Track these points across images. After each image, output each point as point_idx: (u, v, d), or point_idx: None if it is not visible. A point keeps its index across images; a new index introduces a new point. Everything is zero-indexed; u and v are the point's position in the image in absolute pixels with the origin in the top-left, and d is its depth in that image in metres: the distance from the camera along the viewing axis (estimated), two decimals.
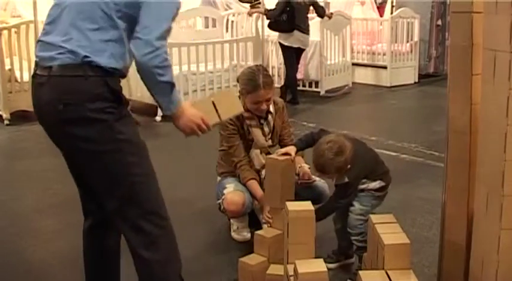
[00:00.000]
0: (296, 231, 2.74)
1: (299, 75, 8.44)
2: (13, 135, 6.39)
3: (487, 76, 2.21)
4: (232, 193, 3.44)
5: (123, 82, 2.32)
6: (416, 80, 9.75)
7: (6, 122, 6.73)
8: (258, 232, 3.13)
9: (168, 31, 2.22)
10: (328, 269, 2.68)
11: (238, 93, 3.33)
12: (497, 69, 2.12)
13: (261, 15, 8.03)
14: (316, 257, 2.73)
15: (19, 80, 6.85)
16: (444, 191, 2.63)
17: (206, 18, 8.77)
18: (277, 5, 7.68)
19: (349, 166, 2.88)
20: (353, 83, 9.43)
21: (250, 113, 3.44)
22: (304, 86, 8.87)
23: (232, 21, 8.52)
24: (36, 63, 2.26)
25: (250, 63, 7.55)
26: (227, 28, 8.45)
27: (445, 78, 4.44)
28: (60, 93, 2.15)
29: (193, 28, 8.67)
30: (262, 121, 3.49)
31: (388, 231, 2.64)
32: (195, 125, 2.39)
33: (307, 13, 7.99)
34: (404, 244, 2.56)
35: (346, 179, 2.93)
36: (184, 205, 4.17)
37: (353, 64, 9.49)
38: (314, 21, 8.55)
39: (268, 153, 3.45)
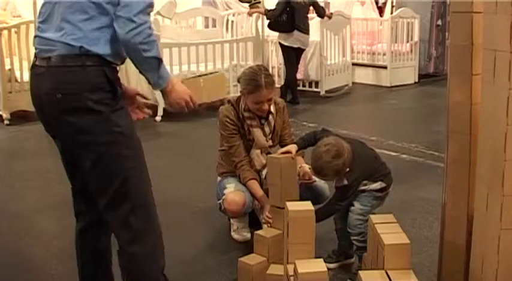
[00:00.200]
0: (296, 231, 2.74)
1: (299, 76, 8.45)
2: (13, 135, 6.39)
3: (487, 76, 2.21)
4: (232, 193, 3.44)
5: (122, 81, 2.33)
6: (417, 80, 9.75)
7: (6, 122, 6.73)
8: (258, 232, 3.13)
9: (149, 6, 2.23)
10: (328, 269, 2.69)
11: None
12: (497, 69, 2.12)
13: (261, 15, 8.03)
14: (316, 257, 2.73)
15: (19, 80, 6.85)
16: (444, 191, 2.63)
17: (206, 18, 8.78)
18: (277, 5, 7.68)
19: (348, 169, 2.88)
20: (353, 83, 9.43)
21: (251, 113, 3.44)
22: (304, 86, 8.88)
23: (232, 21, 8.53)
24: (35, 55, 2.28)
25: (250, 63, 7.56)
26: (227, 28, 8.45)
27: (445, 78, 4.43)
28: (59, 83, 2.17)
29: (193, 28, 8.68)
30: (263, 121, 3.49)
31: (388, 231, 2.64)
32: (184, 102, 2.40)
33: (307, 13, 7.99)
34: (404, 244, 2.56)
35: (346, 182, 2.93)
36: (184, 205, 4.17)
37: (353, 64, 9.49)
38: (314, 21, 8.55)
39: (269, 153, 3.46)
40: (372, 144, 3.41)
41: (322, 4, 8.34)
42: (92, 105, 2.17)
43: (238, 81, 3.48)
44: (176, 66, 6.93)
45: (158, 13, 7.05)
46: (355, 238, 3.03)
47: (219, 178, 3.65)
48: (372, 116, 7.83)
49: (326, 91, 8.68)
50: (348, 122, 7.20)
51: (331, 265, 3.16)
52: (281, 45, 7.87)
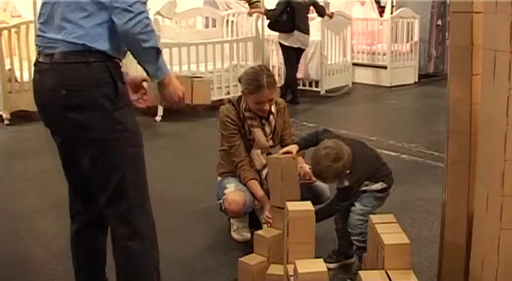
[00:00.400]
0: (296, 231, 2.74)
1: (299, 75, 8.45)
2: (13, 135, 6.39)
3: (487, 76, 2.21)
4: (233, 192, 3.44)
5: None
6: (417, 80, 9.75)
7: (6, 122, 6.72)
8: (258, 232, 3.13)
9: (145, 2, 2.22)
10: (328, 269, 2.69)
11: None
12: (497, 69, 2.12)
13: (261, 15, 8.03)
14: (316, 257, 2.73)
15: (19, 80, 6.85)
16: (444, 191, 2.63)
17: (206, 18, 8.77)
18: (277, 5, 7.68)
19: (348, 171, 2.88)
20: (353, 83, 9.43)
21: (251, 113, 3.44)
22: (304, 85, 8.88)
23: (232, 21, 8.52)
24: (38, 52, 2.28)
25: (250, 63, 7.56)
26: (227, 28, 8.45)
27: (445, 78, 4.43)
28: (63, 79, 2.18)
29: (193, 28, 8.68)
30: (263, 121, 3.49)
31: (388, 231, 2.64)
32: (178, 97, 2.39)
33: (307, 13, 7.99)
34: (404, 244, 2.56)
35: (347, 183, 2.93)
36: (184, 205, 4.17)
37: (353, 64, 9.49)
38: (315, 21, 8.55)
39: (269, 153, 3.46)
40: (372, 144, 3.41)
41: (322, 4, 8.34)
42: (95, 101, 2.18)
43: (240, 81, 3.48)
44: (176, 66, 6.92)
45: (158, 13, 7.05)
46: (356, 238, 3.03)
47: (219, 178, 3.65)
48: (372, 116, 7.83)
49: (326, 91, 8.68)
50: (348, 122, 7.20)
51: (331, 265, 3.16)
52: (281, 45, 7.87)
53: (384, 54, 9.51)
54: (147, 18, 2.19)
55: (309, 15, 8.12)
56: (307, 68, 8.71)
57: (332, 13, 8.56)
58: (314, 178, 3.37)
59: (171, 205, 4.05)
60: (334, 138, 3.02)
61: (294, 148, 3.08)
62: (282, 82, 8.17)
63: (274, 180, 3.08)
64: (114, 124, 2.24)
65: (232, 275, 3.12)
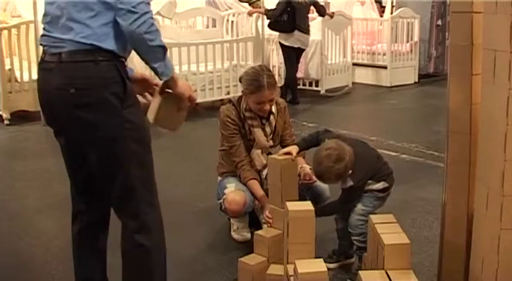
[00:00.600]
0: (296, 231, 2.74)
1: (299, 74, 8.45)
2: (13, 135, 6.39)
3: (487, 76, 2.21)
4: (233, 192, 3.44)
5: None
6: (416, 80, 9.75)
7: (6, 122, 6.72)
8: (258, 232, 3.13)
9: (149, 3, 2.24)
10: (328, 269, 2.69)
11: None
12: (497, 69, 2.12)
13: (261, 15, 8.03)
14: (316, 257, 2.73)
15: (19, 80, 6.85)
16: (444, 191, 2.63)
17: (208, 18, 8.77)
18: (277, 5, 7.68)
19: (350, 171, 2.88)
20: (353, 83, 9.43)
21: (252, 113, 3.44)
22: (304, 85, 8.89)
23: (233, 21, 8.52)
24: (44, 51, 2.28)
25: (250, 63, 7.56)
26: (227, 28, 8.45)
27: (445, 78, 4.43)
28: (72, 78, 2.18)
29: (193, 28, 8.68)
30: (264, 121, 3.49)
31: (388, 231, 2.64)
32: (190, 91, 2.44)
33: (308, 13, 7.99)
34: (404, 244, 2.56)
35: (351, 183, 2.93)
36: (184, 205, 4.17)
37: (353, 64, 9.49)
38: (316, 21, 8.55)
39: (270, 153, 3.46)
40: (372, 144, 3.41)
41: (322, 4, 8.34)
42: (106, 97, 2.19)
43: (240, 81, 3.48)
44: (176, 67, 6.92)
45: (158, 13, 7.05)
46: (356, 238, 3.03)
47: (219, 178, 3.65)
48: (372, 116, 7.83)
49: (326, 90, 8.68)
50: (348, 122, 7.20)
51: (331, 265, 3.16)
52: (281, 45, 7.87)
53: (384, 54, 9.51)
54: (152, 17, 2.22)
55: (310, 15, 8.12)
56: (308, 67, 8.71)
57: (333, 13, 8.56)
58: (314, 178, 3.37)
59: (171, 205, 4.05)
60: (335, 138, 3.02)
61: (294, 149, 3.08)
62: (282, 82, 8.17)
63: (274, 180, 3.08)
64: (122, 122, 2.25)
65: (232, 275, 3.12)
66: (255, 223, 3.60)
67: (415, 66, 9.76)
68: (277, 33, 7.93)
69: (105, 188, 2.41)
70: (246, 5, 9.30)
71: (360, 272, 2.60)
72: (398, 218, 2.81)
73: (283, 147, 3.34)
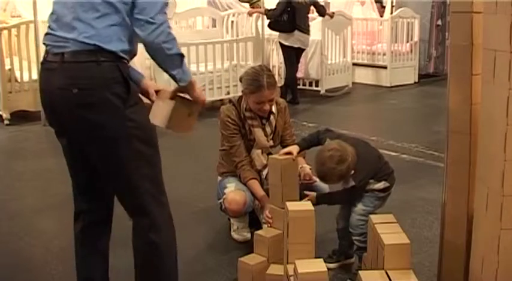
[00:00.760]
0: (296, 231, 2.74)
1: (299, 74, 8.45)
2: (13, 135, 6.39)
3: (487, 76, 2.21)
4: (233, 192, 3.44)
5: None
6: (416, 80, 9.75)
7: (6, 122, 6.73)
8: (258, 231, 3.13)
9: (165, 4, 2.28)
10: (328, 269, 2.69)
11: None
12: (497, 69, 2.12)
13: (261, 15, 8.03)
14: (316, 257, 2.73)
15: (19, 80, 6.86)
16: (444, 191, 2.63)
17: (207, 18, 8.77)
18: (277, 5, 7.68)
19: (352, 172, 2.88)
20: (353, 83, 9.43)
21: (252, 113, 3.44)
22: (304, 85, 8.89)
23: (233, 21, 8.52)
24: (46, 51, 2.29)
25: (250, 63, 7.55)
26: (227, 28, 8.45)
27: (445, 78, 4.43)
28: (74, 78, 2.19)
29: (193, 28, 8.68)
30: (264, 121, 3.49)
31: (388, 231, 2.64)
32: (203, 95, 2.53)
33: (308, 13, 7.99)
34: (404, 244, 2.56)
35: (353, 183, 2.93)
36: (184, 205, 4.17)
37: (353, 64, 9.49)
38: (316, 21, 8.55)
39: (270, 153, 3.46)
40: (372, 144, 3.41)
41: (322, 4, 8.34)
42: (108, 97, 2.20)
43: (240, 81, 3.48)
44: None
45: None
46: (357, 238, 3.03)
47: (219, 178, 3.65)
48: (372, 116, 7.83)
49: (326, 90, 8.68)
50: (348, 122, 7.20)
51: (331, 265, 3.15)
52: (281, 45, 7.88)
53: (384, 54, 9.52)
54: (169, 27, 2.27)
55: (310, 15, 8.12)
56: (308, 67, 8.71)
57: (333, 13, 8.56)
58: (314, 178, 3.37)
59: (171, 205, 4.02)
60: (337, 137, 3.02)
61: (294, 149, 3.07)
62: (282, 82, 8.17)
63: (274, 180, 3.08)
64: (125, 122, 2.26)
65: (232, 275, 3.12)
66: (255, 223, 3.60)
67: (415, 66, 9.76)
68: (277, 33, 7.93)
69: (109, 188, 2.42)
70: (246, 5, 9.30)
71: (359, 272, 2.60)
72: (398, 218, 2.81)
73: (284, 147, 3.34)
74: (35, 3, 6.55)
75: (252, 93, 3.35)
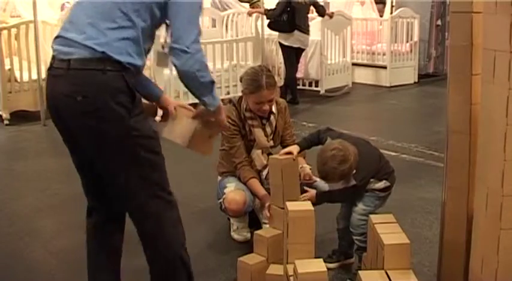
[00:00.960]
0: (296, 231, 2.74)
1: (299, 74, 8.45)
2: (13, 135, 6.39)
3: (486, 76, 2.21)
4: (233, 191, 3.44)
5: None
6: (416, 80, 9.75)
7: (5, 122, 6.72)
8: (258, 231, 3.13)
9: (199, 34, 2.33)
10: (328, 269, 2.69)
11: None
12: (497, 69, 2.12)
13: (260, 15, 8.03)
14: (316, 257, 2.73)
15: (19, 80, 6.85)
16: (444, 191, 2.63)
17: (207, 18, 8.77)
18: (277, 5, 7.67)
19: (354, 171, 2.88)
20: (353, 83, 9.42)
21: (252, 113, 3.44)
22: (304, 85, 8.88)
23: (232, 21, 8.52)
24: (53, 57, 2.27)
25: (250, 63, 7.55)
26: (227, 28, 8.45)
27: (444, 78, 4.43)
28: (79, 86, 2.18)
29: None
30: (264, 121, 3.49)
31: (388, 231, 2.64)
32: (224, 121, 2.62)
33: (308, 13, 7.99)
34: (404, 244, 2.56)
35: (354, 182, 2.93)
36: (184, 205, 4.13)
37: (353, 64, 9.48)
38: (315, 21, 8.55)
39: (270, 153, 3.45)
40: (372, 144, 3.42)
41: (322, 4, 8.34)
42: (112, 106, 2.18)
43: (241, 81, 3.48)
44: None
45: None
46: (358, 238, 3.03)
47: (219, 178, 3.65)
48: (371, 116, 7.83)
49: (326, 90, 8.68)
50: (348, 122, 7.19)
51: (331, 265, 3.15)
52: (281, 45, 7.87)
53: (384, 54, 9.51)
54: (202, 55, 2.34)
55: (309, 15, 8.12)
56: (307, 67, 8.71)
57: (332, 13, 8.56)
58: (314, 178, 3.37)
59: None
60: (338, 137, 3.02)
61: (295, 149, 3.07)
62: (282, 82, 8.17)
63: (275, 180, 3.08)
64: (129, 131, 2.24)
65: (232, 275, 3.12)
66: (254, 223, 3.60)
67: (414, 66, 9.76)
68: (277, 33, 7.93)
69: (115, 192, 2.42)
70: (246, 5, 9.30)
71: (359, 272, 2.60)
72: (398, 218, 2.81)
73: (284, 147, 3.34)
74: (34, 4, 6.55)
75: (252, 94, 3.35)
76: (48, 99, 2.31)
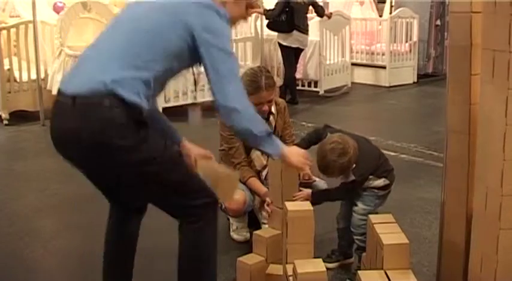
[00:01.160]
0: (295, 231, 2.74)
1: (298, 75, 8.44)
2: (12, 136, 6.38)
3: (486, 76, 2.21)
4: None
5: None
6: (415, 80, 9.75)
7: (5, 122, 6.72)
8: (257, 231, 3.13)
9: (244, 88, 2.37)
10: (328, 269, 2.69)
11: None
12: (496, 69, 2.13)
13: (260, 15, 8.02)
14: (315, 257, 2.73)
15: (18, 80, 6.85)
16: (443, 191, 2.64)
17: None
18: (276, 5, 7.67)
19: (354, 166, 2.88)
20: (352, 83, 9.43)
21: None
22: (303, 85, 8.88)
23: None
24: (59, 90, 2.23)
25: (249, 63, 7.55)
26: None
27: (444, 78, 4.43)
28: (84, 122, 2.14)
29: None
30: None
31: (387, 231, 2.64)
32: (305, 159, 2.60)
33: (307, 13, 7.99)
34: (403, 244, 2.56)
35: (353, 178, 2.92)
36: None
37: (352, 64, 9.48)
38: (314, 21, 8.55)
39: None
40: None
41: (321, 4, 8.34)
42: (118, 143, 2.14)
43: None
44: None
45: None
46: (358, 237, 3.03)
47: None
48: (371, 116, 7.83)
49: (325, 91, 8.68)
50: (347, 122, 7.19)
51: (331, 265, 3.15)
52: (280, 45, 7.87)
53: (383, 54, 9.52)
54: (250, 107, 2.35)
55: (308, 15, 8.11)
56: (306, 68, 8.71)
57: (331, 13, 8.56)
58: (314, 178, 3.37)
59: None
60: (337, 132, 3.02)
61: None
62: (281, 82, 8.17)
63: (274, 181, 3.08)
64: (139, 161, 2.20)
65: (232, 275, 3.12)
66: (254, 223, 3.60)
67: (414, 66, 9.76)
68: (276, 33, 7.92)
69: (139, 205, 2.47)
70: None
71: (359, 272, 2.60)
72: (397, 218, 2.81)
73: None
74: (34, 4, 6.54)
75: (251, 95, 3.33)
76: (52, 131, 2.26)
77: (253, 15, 8.06)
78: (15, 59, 6.89)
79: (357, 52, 9.83)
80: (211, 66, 2.28)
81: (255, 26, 8.09)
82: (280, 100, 3.67)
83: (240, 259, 3.02)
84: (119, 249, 2.58)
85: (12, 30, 6.83)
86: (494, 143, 2.15)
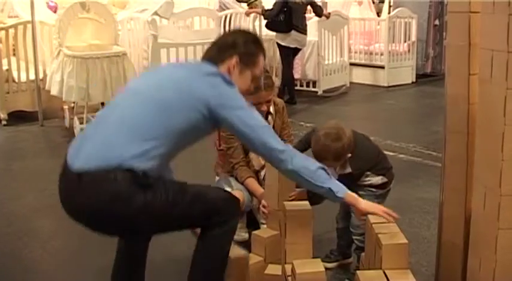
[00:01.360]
0: (293, 231, 2.74)
1: (296, 75, 8.44)
2: (10, 136, 6.38)
3: (484, 76, 2.22)
4: (231, 192, 3.43)
5: None
6: (414, 80, 9.75)
7: (3, 122, 6.72)
8: (256, 232, 3.13)
9: (272, 131, 2.42)
10: (326, 268, 2.69)
11: None
12: (494, 69, 2.13)
13: (258, 15, 8.02)
14: (314, 257, 2.73)
15: (16, 80, 6.84)
16: (442, 191, 2.64)
17: (205, 18, 8.76)
18: (274, 5, 7.67)
19: (349, 155, 2.87)
20: (351, 83, 9.42)
21: None
22: (301, 85, 8.88)
23: (230, 22, 8.52)
24: (66, 163, 2.25)
25: None
26: (225, 28, 8.43)
27: (442, 78, 4.42)
28: (91, 197, 2.17)
29: (191, 28, 8.66)
30: None
31: (386, 231, 2.64)
32: (379, 210, 2.55)
33: (305, 13, 7.99)
34: (402, 244, 2.56)
35: (349, 170, 2.91)
36: None
37: (350, 64, 9.48)
38: (312, 21, 8.55)
39: None
40: None
41: (319, 4, 8.34)
42: (124, 209, 2.18)
43: None
44: None
45: (155, 13, 7.05)
46: (357, 238, 3.03)
47: (216, 178, 3.64)
48: (369, 116, 7.83)
49: (323, 91, 8.68)
50: (346, 122, 7.10)
51: (329, 265, 3.16)
52: (278, 45, 7.87)
53: (382, 54, 9.52)
54: (298, 156, 2.38)
55: (306, 15, 8.11)
56: (305, 68, 8.71)
57: (329, 13, 8.55)
58: None
59: None
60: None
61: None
62: (280, 82, 8.17)
63: (271, 181, 3.08)
64: (151, 213, 2.23)
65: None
66: (252, 223, 3.60)
67: (412, 66, 9.76)
68: (274, 33, 7.92)
69: None
70: (244, 5, 9.29)
71: (357, 272, 2.59)
72: None
73: None
74: (32, 4, 6.53)
75: (249, 95, 3.34)
76: (62, 203, 2.33)
77: (252, 15, 8.07)
78: (13, 60, 6.89)
79: (356, 52, 9.83)
80: (244, 127, 2.35)
81: (253, 26, 8.09)
82: (279, 100, 3.67)
83: None
84: (129, 263, 2.63)
85: (11, 30, 6.82)
86: (492, 143, 2.15)
